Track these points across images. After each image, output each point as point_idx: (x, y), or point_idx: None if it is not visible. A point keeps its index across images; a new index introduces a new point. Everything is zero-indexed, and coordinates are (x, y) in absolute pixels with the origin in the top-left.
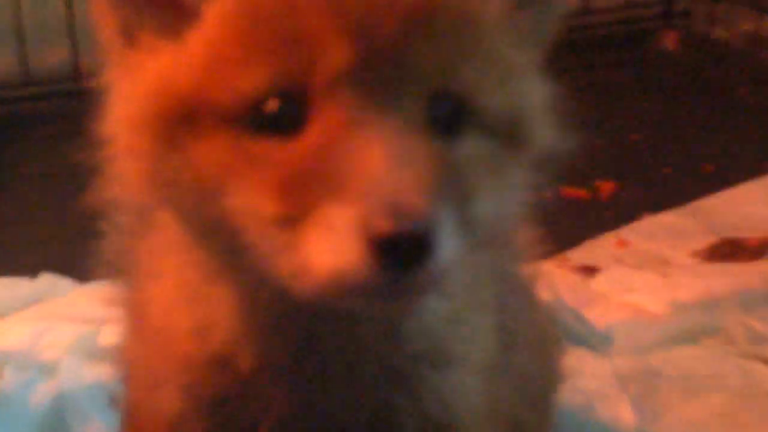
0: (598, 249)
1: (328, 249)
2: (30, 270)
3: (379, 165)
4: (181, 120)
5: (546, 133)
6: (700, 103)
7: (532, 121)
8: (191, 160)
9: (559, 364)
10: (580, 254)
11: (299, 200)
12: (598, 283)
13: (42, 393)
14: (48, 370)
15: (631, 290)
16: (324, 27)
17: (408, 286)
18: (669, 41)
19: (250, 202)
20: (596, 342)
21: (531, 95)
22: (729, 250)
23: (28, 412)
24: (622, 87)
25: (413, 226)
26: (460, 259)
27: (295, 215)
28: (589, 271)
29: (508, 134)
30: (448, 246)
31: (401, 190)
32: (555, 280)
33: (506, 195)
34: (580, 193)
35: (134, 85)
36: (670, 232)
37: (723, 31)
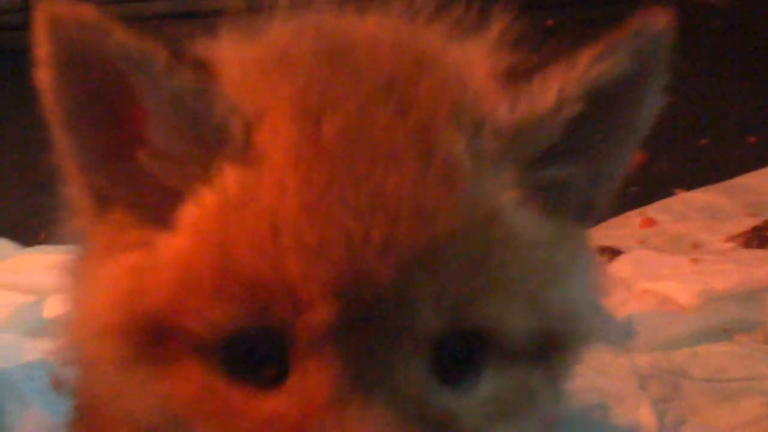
0: (620, 228)
1: None
2: None
3: None
4: (151, 337)
5: (593, 326)
6: (746, 65)
7: (575, 325)
8: (159, 385)
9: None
10: (600, 234)
11: None
12: (620, 267)
13: None
14: None
15: (656, 277)
16: (305, 275)
17: None
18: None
19: None
20: (615, 335)
21: (572, 296)
22: None
23: None
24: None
25: None
26: None
27: None
28: (610, 253)
29: (541, 352)
30: None
31: None
32: None
33: (532, 422)
34: None
35: (99, 286)
36: (704, 213)
37: None
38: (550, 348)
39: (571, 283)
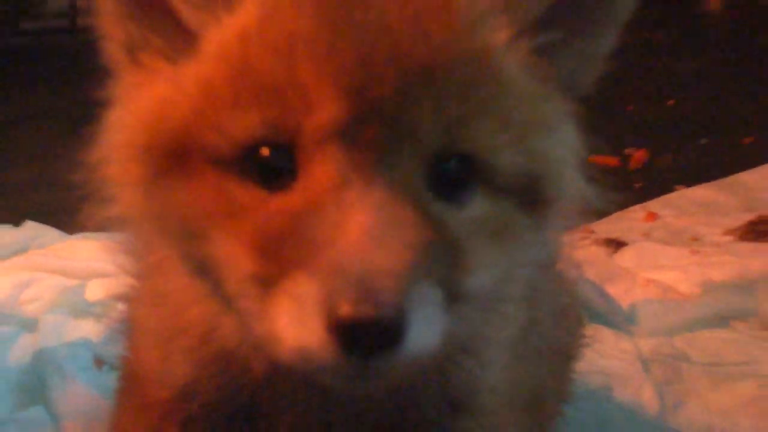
0: (625, 222)
1: (293, 323)
2: (14, 217)
3: (355, 237)
4: (172, 155)
5: (574, 186)
6: (743, 69)
7: (557, 177)
8: (178, 198)
9: (580, 337)
10: (606, 227)
11: (275, 261)
12: (624, 257)
13: (22, 348)
14: (30, 324)
15: (658, 267)
16: (317, 77)
17: (372, 372)
18: (713, 1)
19: (230, 255)
20: (619, 321)
21: (556, 150)
22: (765, 228)
23: (6, 368)
24: (662, 48)
25: (379, 312)
26: (448, 333)
27: (269, 277)
28: (615, 244)
29: (526, 194)
30: (423, 332)
31: (373, 270)
32: (578, 254)
33: (516, 257)
34: (610, 160)
35: (129, 113)
36: (703, 207)
37: None
38: (534, 193)
39: (555, 139)
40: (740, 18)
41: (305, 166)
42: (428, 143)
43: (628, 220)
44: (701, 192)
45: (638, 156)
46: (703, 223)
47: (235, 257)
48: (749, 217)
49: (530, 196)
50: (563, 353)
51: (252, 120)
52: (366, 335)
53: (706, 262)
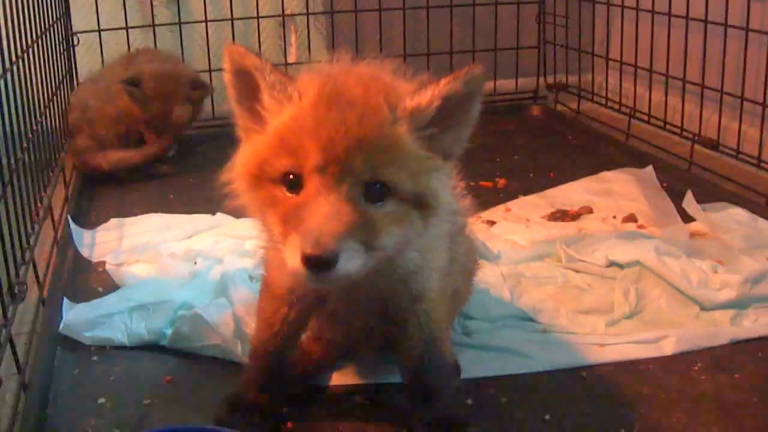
0: (495, 212)
1: (289, 257)
2: (211, 211)
3: (317, 218)
4: (255, 177)
5: (444, 201)
6: (549, 141)
7: (434, 196)
8: (257, 196)
9: (476, 265)
10: (487, 215)
11: (289, 225)
12: (495, 229)
13: (216, 272)
14: (219, 260)
15: (511, 233)
16: (311, 145)
17: (323, 279)
18: (535, 111)
19: (273, 222)
20: (493, 258)
21: (434, 183)
22: (560, 215)
23: (208, 282)
24: (511, 132)
25: (322, 252)
26: (367, 264)
27: (286, 233)
28: (491, 223)
29: (417, 202)
30: (346, 263)
31: (323, 232)
32: (474, 228)
33: (408, 232)
34: (488, 183)
35: (241, 155)
36: (531, 205)
37: (561, 107)
38: (420, 201)
39: (432, 177)
40: (547, 119)
41: (306, 183)
42: (362, 176)
43: (497, 211)
44: (530, 199)
45: (501, 182)
46: (531, 212)
47: (275, 223)
48: (552, 210)
49: (418, 202)
50: (468, 272)
51: (285, 161)
52: (317, 263)
53: (533, 231)
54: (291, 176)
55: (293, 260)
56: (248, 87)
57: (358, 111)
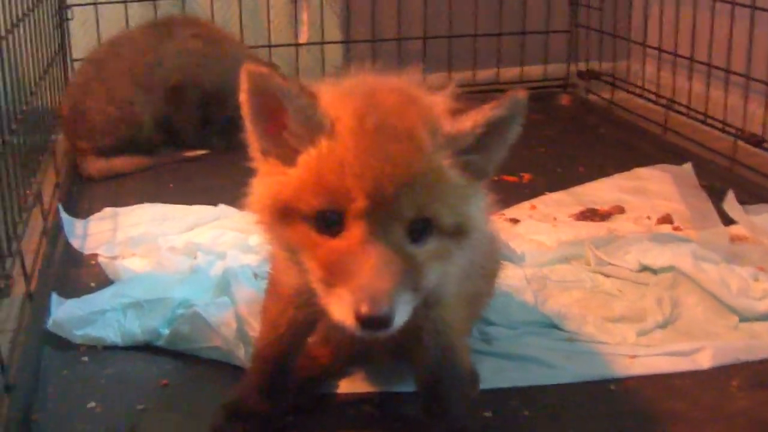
0: (520, 210)
1: (337, 310)
2: (213, 202)
3: (370, 273)
4: (283, 213)
5: (480, 226)
6: (579, 133)
7: (471, 223)
8: (284, 233)
9: (498, 266)
10: (510, 212)
11: (332, 274)
12: (519, 228)
13: (217, 268)
14: (221, 255)
15: (536, 233)
16: (355, 185)
17: (377, 335)
18: (564, 100)
19: (312, 266)
20: (516, 259)
21: (472, 211)
22: (589, 214)
23: (209, 278)
24: (538, 123)
25: (378, 313)
26: (414, 307)
27: (330, 281)
28: (514, 221)
29: (456, 233)
30: (401, 316)
31: (378, 292)
32: (497, 226)
33: (448, 267)
34: (512, 178)
35: (263, 186)
36: (558, 203)
37: (593, 96)
38: (460, 232)
39: (471, 204)
40: (578, 108)
41: (348, 226)
42: (407, 216)
43: (521, 209)
44: (557, 195)
45: (527, 176)
46: (558, 211)
47: (312, 268)
48: (581, 208)
49: (458, 234)
50: (489, 274)
51: (322, 200)
52: (372, 323)
53: (559, 230)
54: (329, 215)
55: (343, 316)
56: (268, 108)
57: (404, 145)
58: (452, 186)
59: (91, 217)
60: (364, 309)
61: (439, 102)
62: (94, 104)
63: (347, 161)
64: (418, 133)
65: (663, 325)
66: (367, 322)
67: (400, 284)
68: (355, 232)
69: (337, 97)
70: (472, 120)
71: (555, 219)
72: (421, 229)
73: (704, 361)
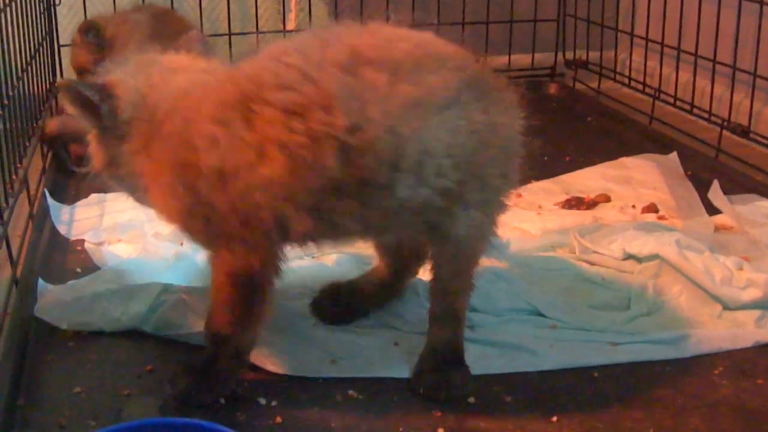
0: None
1: None
2: None
3: None
4: None
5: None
6: (566, 122)
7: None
8: None
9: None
10: None
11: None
12: (504, 216)
13: (203, 254)
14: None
15: (521, 221)
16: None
17: None
18: (552, 89)
19: None
20: (502, 247)
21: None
22: (575, 203)
23: (195, 264)
24: (525, 111)
25: None
26: None
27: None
28: None
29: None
30: None
31: None
32: None
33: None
34: None
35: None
36: (544, 191)
37: (580, 85)
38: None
39: None
40: (566, 97)
41: None
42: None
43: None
44: (543, 184)
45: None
46: (544, 199)
47: None
48: (566, 197)
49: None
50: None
51: None
52: None
53: (545, 219)
54: None
55: None
56: None
57: None
58: None
59: (78, 203)
60: None
61: None
62: None
63: None
64: None
65: (647, 314)
66: None
67: None
68: None
69: None
70: None
71: (540, 207)
72: None
73: (687, 349)
